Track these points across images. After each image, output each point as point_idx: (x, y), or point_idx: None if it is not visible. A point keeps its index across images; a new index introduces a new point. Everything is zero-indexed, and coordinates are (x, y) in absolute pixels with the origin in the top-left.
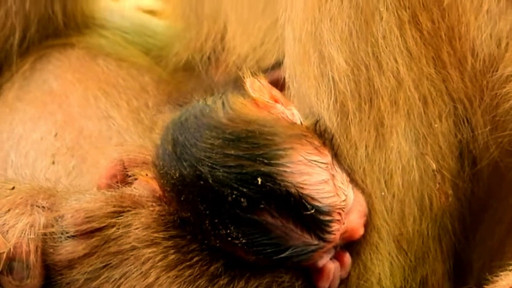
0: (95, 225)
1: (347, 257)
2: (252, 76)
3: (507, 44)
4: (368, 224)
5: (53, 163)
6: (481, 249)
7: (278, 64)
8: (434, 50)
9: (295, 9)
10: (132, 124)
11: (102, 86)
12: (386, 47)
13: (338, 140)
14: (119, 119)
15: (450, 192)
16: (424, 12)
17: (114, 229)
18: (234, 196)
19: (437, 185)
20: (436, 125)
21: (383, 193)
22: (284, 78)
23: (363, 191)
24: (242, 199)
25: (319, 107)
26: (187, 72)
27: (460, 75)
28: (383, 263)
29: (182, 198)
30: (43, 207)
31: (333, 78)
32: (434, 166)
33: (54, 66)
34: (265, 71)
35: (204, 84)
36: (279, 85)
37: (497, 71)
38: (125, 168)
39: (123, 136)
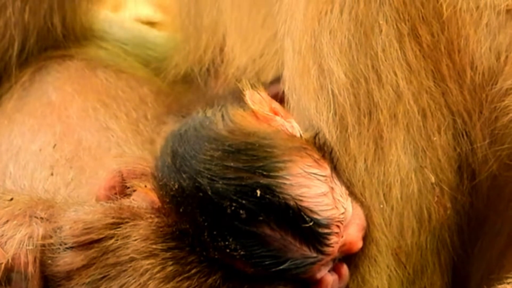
0: (94, 236)
1: (345, 269)
2: (252, 88)
3: (507, 57)
4: (366, 237)
5: (52, 174)
6: (479, 262)
7: (277, 79)
8: (434, 63)
9: (295, 21)
10: (131, 135)
11: (101, 98)
12: (385, 60)
13: (337, 153)
14: (118, 131)
15: (449, 205)
16: (424, 25)
17: (112, 240)
18: (233, 208)
19: (436, 198)
20: (435, 138)
21: (381, 206)
22: (284, 92)
23: (362, 204)
24: (241, 211)
25: (319, 119)
26: (187, 84)
27: (459, 88)
28: (381, 276)
29: (181, 210)
30: (42, 218)
31: (332, 91)
32: (433, 179)
33: (53, 78)
34: (264, 85)
35: (204, 95)
36: (278, 99)
37: (496, 84)
38: (124, 180)
39: (122, 147)
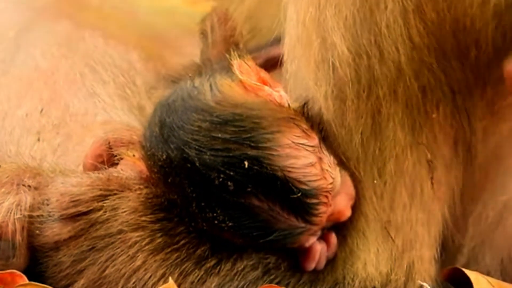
0: (81, 209)
1: (334, 238)
2: (240, 58)
3: None
4: (356, 210)
5: (39, 140)
6: (474, 231)
7: (277, 40)
8: (437, 41)
9: None
10: (118, 101)
11: (88, 63)
12: (388, 36)
13: (334, 126)
14: (105, 96)
15: (443, 180)
16: (430, 2)
17: (101, 212)
18: (221, 179)
19: (431, 174)
20: (434, 115)
21: (375, 181)
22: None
23: (353, 177)
24: (229, 183)
25: (317, 91)
26: (177, 49)
27: (461, 66)
28: (369, 249)
29: (169, 180)
30: (30, 186)
31: (333, 64)
32: (428, 155)
33: (40, 42)
34: (264, 46)
35: (195, 61)
36: (277, 61)
37: (501, 63)
38: (111, 148)
39: (109, 113)
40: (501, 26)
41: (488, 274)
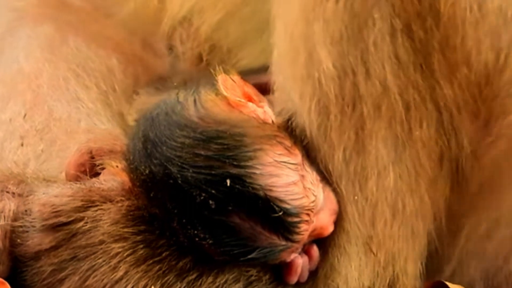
0: (62, 219)
1: (315, 251)
2: (225, 72)
3: (506, 55)
4: (337, 225)
5: (22, 145)
6: (463, 244)
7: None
8: (424, 58)
9: (290, 5)
10: (101, 107)
11: (71, 67)
12: (375, 54)
13: (317, 141)
14: (88, 102)
15: (426, 197)
16: (418, 21)
17: (82, 223)
18: (202, 197)
19: (412, 190)
20: (417, 133)
21: (356, 197)
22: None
23: (335, 192)
24: (211, 201)
25: (301, 106)
26: (156, 52)
27: (449, 84)
28: (350, 264)
29: (151, 195)
30: (13, 193)
31: (319, 80)
32: (412, 172)
33: (24, 43)
34: (256, 70)
35: (174, 68)
36: (265, 88)
37: (493, 83)
38: (93, 157)
39: (92, 119)
40: (495, 45)
41: (471, 285)
